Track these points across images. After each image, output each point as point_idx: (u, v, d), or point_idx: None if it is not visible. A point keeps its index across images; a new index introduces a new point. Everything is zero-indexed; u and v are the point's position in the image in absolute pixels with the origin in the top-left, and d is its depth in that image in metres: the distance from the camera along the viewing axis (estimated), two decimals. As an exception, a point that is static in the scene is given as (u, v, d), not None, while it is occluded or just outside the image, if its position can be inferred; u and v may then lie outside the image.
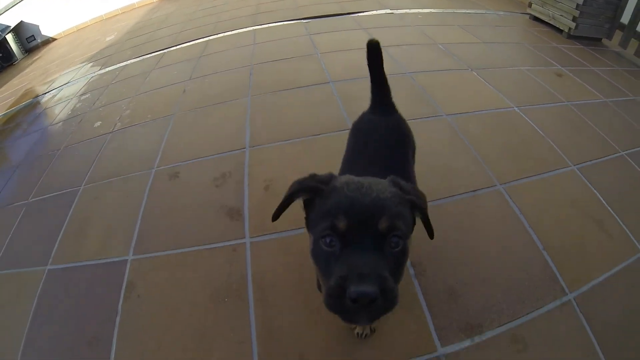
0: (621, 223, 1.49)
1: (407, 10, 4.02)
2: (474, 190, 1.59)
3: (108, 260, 1.50)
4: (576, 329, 1.13)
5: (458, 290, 1.23)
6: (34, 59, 6.51)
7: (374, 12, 3.97)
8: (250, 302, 1.24)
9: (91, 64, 4.27)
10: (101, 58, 4.29)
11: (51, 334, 1.31)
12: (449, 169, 1.73)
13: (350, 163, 1.00)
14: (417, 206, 0.65)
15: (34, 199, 2.02)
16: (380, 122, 1.04)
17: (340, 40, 3.20)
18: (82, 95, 3.33)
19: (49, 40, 7.34)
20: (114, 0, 7.11)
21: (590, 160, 1.82)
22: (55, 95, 3.65)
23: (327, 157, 1.78)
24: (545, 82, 2.52)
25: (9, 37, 6.85)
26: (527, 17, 3.96)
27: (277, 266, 1.33)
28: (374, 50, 0.99)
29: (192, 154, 1.98)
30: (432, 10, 4.04)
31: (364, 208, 0.56)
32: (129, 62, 3.73)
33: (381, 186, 0.61)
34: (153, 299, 1.33)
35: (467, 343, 1.10)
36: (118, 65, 3.73)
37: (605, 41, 3.50)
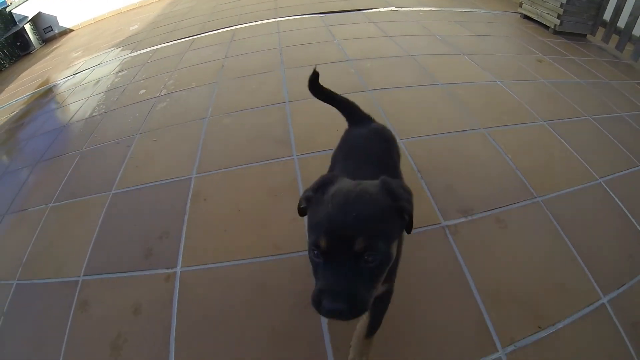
0: (577, 155, 1.97)
1: (410, 8, 4.52)
2: (462, 130, 2.09)
3: (174, 179, 1.95)
4: (544, 219, 1.61)
5: (454, 186, 1.71)
6: (54, 47, 6.93)
7: (381, 9, 4.47)
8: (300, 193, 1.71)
9: (120, 48, 4.73)
10: (130, 44, 4.75)
11: (119, 236, 1.74)
12: (443, 117, 2.23)
13: (341, 165, 1.13)
14: (405, 210, 0.73)
15: (88, 148, 2.46)
16: (362, 131, 1.20)
17: (353, 30, 3.70)
18: (118, 72, 3.77)
19: (66, 32, 7.76)
20: None
21: (561, 119, 2.30)
22: (88, 75, 4.09)
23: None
24: (526, 65, 3.02)
25: (27, 27, 7.29)
26: (519, 15, 4.47)
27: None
28: (315, 82, 1.23)
29: (239, 107, 2.46)
30: (432, 8, 4.54)
31: (343, 229, 0.65)
32: (159, 46, 4.19)
33: (366, 198, 0.70)
34: (217, 200, 1.78)
35: (462, 219, 1.58)
36: (149, 49, 4.19)
37: (589, 37, 4.00)
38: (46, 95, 4.00)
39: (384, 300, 0.97)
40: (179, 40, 4.17)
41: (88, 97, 3.39)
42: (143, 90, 3.05)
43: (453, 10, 4.54)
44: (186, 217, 1.72)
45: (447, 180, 1.77)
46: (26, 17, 7.42)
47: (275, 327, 1.25)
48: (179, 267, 1.49)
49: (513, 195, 1.70)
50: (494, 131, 2.11)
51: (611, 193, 1.76)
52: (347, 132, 1.26)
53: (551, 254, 1.48)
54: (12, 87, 5.05)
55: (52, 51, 6.68)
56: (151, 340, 1.26)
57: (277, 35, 3.71)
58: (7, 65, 6.95)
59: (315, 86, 1.22)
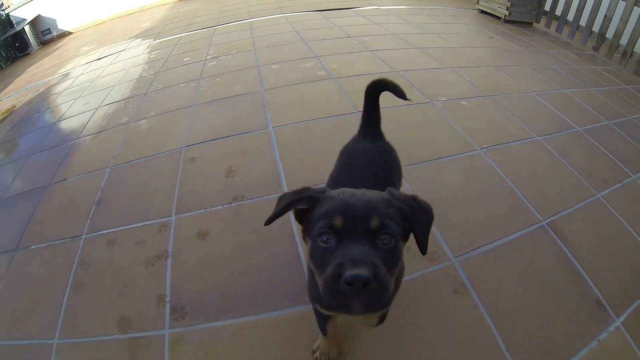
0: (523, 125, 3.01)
1: (389, 7, 5.65)
2: (430, 102, 3.10)
3: (248, 93, 2.83)
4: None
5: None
6: (57, 46, 7.53)
7: (366, 7, 5.57)
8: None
9: (140, 38, 5.55)
10: (149, 35, 5.58)
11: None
12: (420, 62, 3.27)
13: (336, 180, 1.11)
14: (406, 214, 0.72)
15: (154, 89, 3.30)
16: (368, 146, 1.17)
17: (348, 20, 4.78)
18: (149, 52, 4.58)
19: (64, 34, 8.36)
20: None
21: (504, 65, 3.38)
22: (115, 57, 4.82)
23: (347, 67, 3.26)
24: (479, 40, 4.20)
25: (27, 29, 7.87)
26: (477, 11, 5.68)
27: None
28: (378, 86, 1.17)
29: (279, 60, 3.44)
30: (406, 7, 5.71)
31: (358, 209, 0.66)
32: (182, 34, 5.06)
33: (374, 192, 0.73)
34: (284, 96, 2.69)
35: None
36: (173, 36, 5.05)
37: (535, 25, 5.22)
38: (67, 76, 4.68)
39: (380, 324, 0.99)
40: (200, 30, 5.06)
41: (128, 68, 4.14)
42: (187, 58, 3.92)
43: (423, 7, 5.71)
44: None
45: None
46: (24, 19, 7.97)
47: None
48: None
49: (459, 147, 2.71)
50: (446, 104, 3.13)
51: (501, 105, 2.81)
52: (350, 142, 1.25)
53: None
54: (23, 78, 5.68)
55: (55, 50, 7.24)
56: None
57: (288, 25, 4.72)
58: (4, 65, 7.46)
59: (374, 90, 1.19)
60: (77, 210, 1.99)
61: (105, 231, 1.81)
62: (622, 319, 1.36)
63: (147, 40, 5.27)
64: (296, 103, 2.67)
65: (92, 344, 1.37)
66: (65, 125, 3.13)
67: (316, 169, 1.96)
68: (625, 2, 3.80)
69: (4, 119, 3.82)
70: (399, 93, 1.17)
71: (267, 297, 1.41)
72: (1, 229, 2.05)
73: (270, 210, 0.77)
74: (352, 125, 2.04)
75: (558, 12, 4.81)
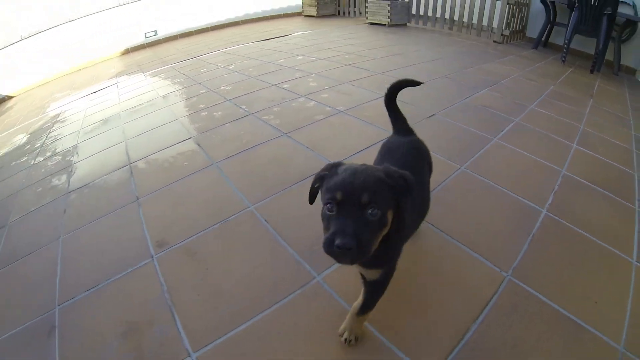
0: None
1: (309, 31, 7.84)
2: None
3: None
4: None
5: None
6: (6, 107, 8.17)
7: (297, 34, 7.69)
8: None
9: (124, 75, 6.89)
10: (137, 70, 6.53)
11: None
12: (337, 51, 5.31)
13: (378, 160, 1.39)
14: (396, 189, 0.94)
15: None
16: (402, 141, 1.42)
17: (291, 42, 6.76)
18: (180, 67, 5.86)
19: (4, 99, 8.73)
20: (77, 57, 8.32)
21: (400, 44, 5.56)
22: (110, 88, 6.17)
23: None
24: (377, 36, 6.54)
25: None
26: (368, 24, 8.10)
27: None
28: (394, 92, 1.46)
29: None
30: (322, 30, 7.98)
31: (354, 186, 0.88)
32: (176, 64, 6.11)
33: (370, 172, 0.92)
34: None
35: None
36: (173, 64, 6.13)
37: (408, 24, 7.80)
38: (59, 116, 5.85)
39: (380, 282, 1.15)
40: (191, 59, 6.31)
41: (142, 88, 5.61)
42: (232, 66, 5.54)
43: (333, 28, 8.00)
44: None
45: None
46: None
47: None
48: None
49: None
50: (376, 52, 5.21)
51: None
52: (388, 139, 1.49)
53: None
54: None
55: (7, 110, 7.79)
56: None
57: (254, 48, 6.58)
58: None
59: (392, 94, 1.46)
60: None
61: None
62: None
63: (150, 71, 6.68)
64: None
65: None
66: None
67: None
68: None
69: None
70: (412, 83, 1.46)
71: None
72: None
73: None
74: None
75: (422, 13, 7.43)
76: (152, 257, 1.74)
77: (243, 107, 3.39)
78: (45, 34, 7.74)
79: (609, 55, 5.14)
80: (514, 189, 2.05)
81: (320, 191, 1.01)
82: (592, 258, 1.63)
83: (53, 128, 4.16)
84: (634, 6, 5.04)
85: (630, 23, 4.88)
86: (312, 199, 1.07)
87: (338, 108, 3.13)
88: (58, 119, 4.52)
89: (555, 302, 1.39)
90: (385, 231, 0.93)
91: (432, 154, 1.49)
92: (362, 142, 2.54)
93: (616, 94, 4.19)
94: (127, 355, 1.30)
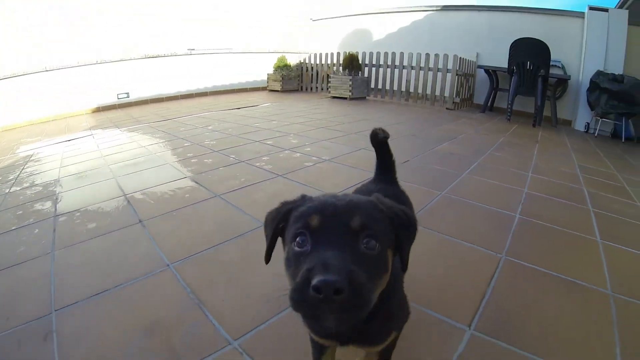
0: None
1: (276, 103, 8.48)
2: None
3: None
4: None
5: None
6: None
7: (265, 105, 8.28)
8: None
9: (107, 127, 7.06)
10: (112, 125, 6.76)
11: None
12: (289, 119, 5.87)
13: None
14: (394, 222, 0.67)
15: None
16: (382, 190, 1.15)
17: (261, 111, 7.31)
18: (157, 126, 6.11)
19: None
20: (48, 108, 7.82)
21: (358, 113, 6.20)
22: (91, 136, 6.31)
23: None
24: (341, 107, 7.24)
25: None
26: (330, 97, 8.89)
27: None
28: (381, 141, 1.23)
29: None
30: (287, 102, 8.65)
31: (338, 207, 0.62)
32: (152, 123, 6.20)
33: (358, 196, 0.70)
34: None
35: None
36: (149, 123, 6.29)
37: (367, 98, 8.63)
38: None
39: (388, 350, 0.89)
40: (169, 120, 6.60)
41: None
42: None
43: (298, 101, 8.71)
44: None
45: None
46: None
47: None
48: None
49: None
50: (339, 119, 5.78)
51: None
52: (366, 183, 1.28)
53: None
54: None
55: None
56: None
57: (227, 113, 7.02)
58: None
59: (378, 139, 1.23)
60: None
61: None
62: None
63: (134, 126, 6.86)
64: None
65: None
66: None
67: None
68: (414, 72, 7.31)
69: None
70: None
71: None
72: None
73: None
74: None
75: (380, 86, 8.32)
76: (169, 265, 1.76)
77: (232, 156, 3.59)
78: (20, 79, 7.49)
79: (547, 112, 6.10)
80: (489, 203, 2.45)
81: (284, 235, 0.72)
82: (565, 240, 2.04)
83: (27, 165, 4.01)
84: (562, 67, 6.20)
85: (561, 82, 6.04)
86: (270, 252, 0.76)
87: (323, 157, 3.48)
88: (31, 158, 4.35)
89: (546, 269, 1.71)
90: (386, 279, 0.66)
91: (413, 186, 1.69)
92: (353, 180, 2.84)
93: (557, 140, 5.00)
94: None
